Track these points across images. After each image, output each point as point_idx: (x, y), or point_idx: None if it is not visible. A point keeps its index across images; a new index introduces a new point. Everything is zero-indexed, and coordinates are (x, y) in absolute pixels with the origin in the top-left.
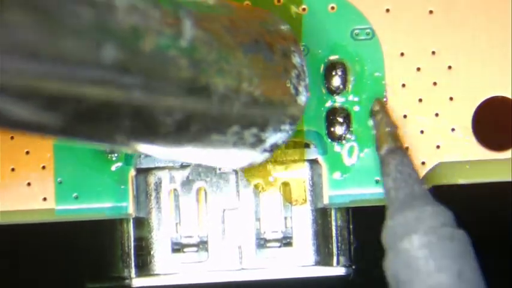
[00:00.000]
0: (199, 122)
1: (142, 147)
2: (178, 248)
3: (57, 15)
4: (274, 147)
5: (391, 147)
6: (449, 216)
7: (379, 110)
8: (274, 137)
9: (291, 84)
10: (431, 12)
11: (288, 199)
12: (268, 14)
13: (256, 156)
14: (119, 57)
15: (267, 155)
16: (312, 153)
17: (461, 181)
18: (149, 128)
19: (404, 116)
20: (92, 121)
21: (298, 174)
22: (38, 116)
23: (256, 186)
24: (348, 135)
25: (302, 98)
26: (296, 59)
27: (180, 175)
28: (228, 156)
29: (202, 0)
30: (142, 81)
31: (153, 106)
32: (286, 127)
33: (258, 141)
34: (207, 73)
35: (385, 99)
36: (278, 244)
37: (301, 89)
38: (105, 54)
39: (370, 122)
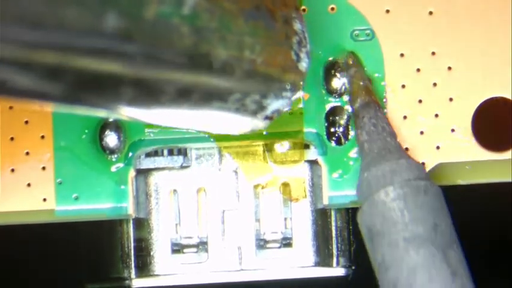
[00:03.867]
0: (201, 90)
1: (143, 114)
2: (178, 248)
3: None
4: (275, 114)
5: (365, 101)
6: (423, 170)
7: (352, 63)
8: (275, 104)
9: (292, 51)
10: (431, 13)
11: (287, 197)
12: None
13: (257, 122)
14: (121, 25)
15: (268, 121)
16: (312, 153)
17: (461, 182)
18: (151, 95)
19: (404, 117)
20: (93, 89)
21: (298, 174)
22: (41, 85)
23: (255, 187)
24: (348, 136)
25: (303, 65)
26: (297, 25)
27: (180, 176)
28: (230, 123)
29: None
30: (144, 49)
31: (155, 74)
32: (288, 94)
33: (260, 108)
34: (208, 41)
35: (384, 100)
36: (278, 245)
37: (302, 55)
38: (108, 22)
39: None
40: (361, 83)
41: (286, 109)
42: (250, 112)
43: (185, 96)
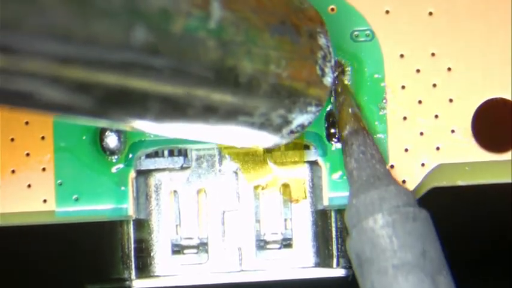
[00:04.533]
0: (227, 104)
1: (170, 129)
2: (178, 249)
3: None
4: (300, 129)
5: (354, 128)
6: (411, 197)
7: (341, 91)
8: (300, 118)
9: (317, 66)
10: (431, 13)
11: (288, 197)
12: None
13: (282, 137)
14: (149, 39)
15: (293, 136)
16: (312, 154)
17: (461, 183)
18: (177, 110)
19: (404, 118)
20: (121, 103)
21: (298, 175)
22: (69, 99)
23: (256, 188)
24: None
25: (328, 79)
26: (322, 40)
27: (180, 177)
28: (254, 137)
29: None
30: (171, 63)
31: (182, 88)
32: (313, 108)
33: (285, 123)
34: (235, 55)
35: (384, 101)
36: (278, 246)
37: (327, 70)
38: (136, 36)
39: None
40: (350, 110)
41: (310, 123)
42: (275, 127)
43: (211, 110)
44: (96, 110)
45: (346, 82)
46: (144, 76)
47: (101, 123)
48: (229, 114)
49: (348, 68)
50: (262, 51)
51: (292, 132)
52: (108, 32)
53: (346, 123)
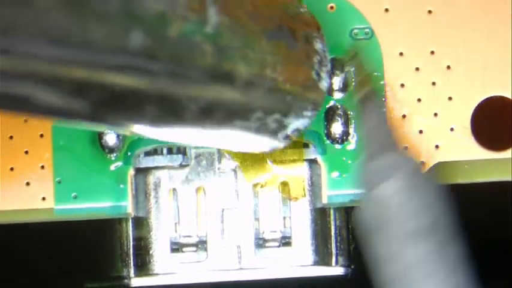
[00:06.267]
0: (223, 108)
1: (166, 133)
2: (177, 247)
3: (86, 1)
4: (296, 133)
5: (373, 90)
6: (420, 166)
7: (355, 56)
8: (296, 123)
9: (313, 70)
10: (430, 12)
11: (287, 196)
12: None
13: (277, 141)
14: (146, 43)
15: (288, 140)
16: (311, 153)
17: (461, 181)
18: (174, 114)
19: (403, 116)
20: (118, 107)
21: (297, 173)
22: (66, 102)
23: (255, 186)
24: (347, 135)
25: (324, 84)
26: (318, 45)
27: (179, 175)
28: (250, 141)
29: None
30: (168, 67)
31: (179, 92)
32: (308, 113)
33: (280, 127)
34: (231, 59)
35: (384, 99)
36: (277, 244)
37: (323, 74)
38: (133, 40)
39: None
40: (366, 74)
41: (305, 128)
42: (270, 131)
43: (208, 114)
44: (92, 114)
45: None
46: (141, 80)
47: (98, 127)
48: (226, 118)
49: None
50: (258, 55)
51: (287, 136)
52: (105, 35)
53: (365, 85)
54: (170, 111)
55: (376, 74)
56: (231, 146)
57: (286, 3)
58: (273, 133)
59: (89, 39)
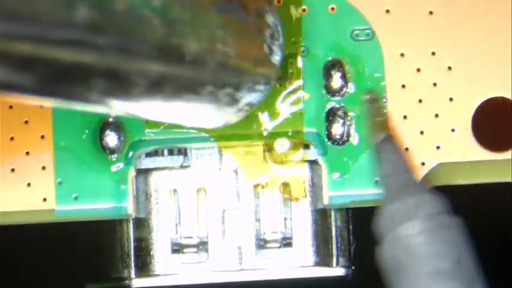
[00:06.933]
0: (173, 82)
1: (116, 106)
2: (178, 248)
3: None
4: (248, 107)
5: (385, 136)
6: (446, 205)
7: (371, 99)
8: (248, 97)
9: (265, 44)
10: (431, 13)
11: (287, 196)
12: None
13: (230, 115)
14: (92, 17)
15: (241, 114)
16: (312, 154)
17: (461, 182)
18: (123, 88)
19: (405, 117)
20: (65, 81)
21: (298, 174)
22: (12, 76)
23: (256, 187)
24: (348, 136)
25: (276, 58)
26: (270, 19)
27: (180, 176)
28: (203, 115)
29: None
30: (115, 41)
31: (126, 67)
32: (261, 87)
33: (233, 101)
34: (180, 33)
35: (385, 100)
36: (278, 245)
37: (275, 48)
38: (78, 14)
39: (363, 110)
40: (381, 118)
41: (259, 102)
42: (222, 105)
43: (157, 88)
44: (39, 88)
45: (375, 91)
46: (88, 54)
47: (47, 102)
48: (176, 92)
49: (348, 67)
50: (208, 30)
51: (240, 110)
52: (49, 9)
53: (379, 131)
54: (118, 85)
55: (377, 75)
56: (184, 121)
57: None
58: (226, 107)
59: (34, 13)
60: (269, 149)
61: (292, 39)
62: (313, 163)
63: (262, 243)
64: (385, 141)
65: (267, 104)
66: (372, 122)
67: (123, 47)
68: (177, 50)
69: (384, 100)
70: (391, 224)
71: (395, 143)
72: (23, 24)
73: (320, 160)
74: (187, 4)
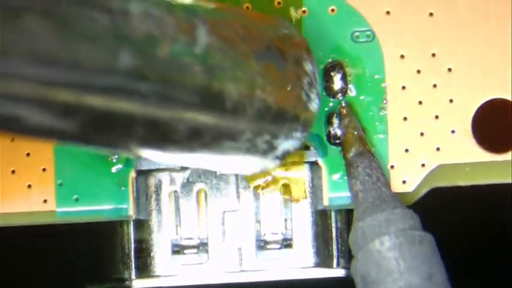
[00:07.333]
0: (213, 129)
1: (154, 154)
2: (178, 249)
3: (74, 22)
4: (286, 154)
5: (359, 150)
6: (417, 220)
7: (346, 113)
8: (286, 144)
9: (303, 91)
10: (431, 14)
11: (288, 198)
12: (280, 20)
13: (267, 163)
14: (135, 64)
15: (278, 161)
16: (312, 155)
17: (461, 183)
18: (162, 135)
19: (405, 119)
20: (106, 128)
21: (298, 175)
22: (54, 123)
23: (256, 188)
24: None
25: (314, 105)
26: (308, 66)
27: (181, 177)
28: (240, 163)
29: (215, 6)
30: (157, 88)
31: (167, 114)
32: (298, 134)
33: (270, 148)
34: (220, 80)
35: (385, 102)
36: (278, 246)
37: (312, 96)
38: (121, 61)
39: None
40: (355, 133)
41: (295, 150)
42: (260, 152)
43: (197, 135)
44: (81, 135)
45: (351, 104)
46: (130, 100)
47: (87, 148)
48: (215, 140)
49: (349, 69)
50: (248, 76)
51: (277, 158)
52: (93, 56)
53: (352, 146)
54: (159, 132)
55: (377, 77)
56: (221, 167)
57: (276, 25)
58: (263, 154)
59: (76, 60)
60: None
61: None
62: (313, 164)
63: (262, 245)
64: (357, 156)
65: None
66: (345, 137)
67: (165, 94)
68: (218, 96)
69: (384, 101)
70: (363, 240)
71: (369, 157)
72: (65, 70)
73: (320, 161)
74: (227, 51)
